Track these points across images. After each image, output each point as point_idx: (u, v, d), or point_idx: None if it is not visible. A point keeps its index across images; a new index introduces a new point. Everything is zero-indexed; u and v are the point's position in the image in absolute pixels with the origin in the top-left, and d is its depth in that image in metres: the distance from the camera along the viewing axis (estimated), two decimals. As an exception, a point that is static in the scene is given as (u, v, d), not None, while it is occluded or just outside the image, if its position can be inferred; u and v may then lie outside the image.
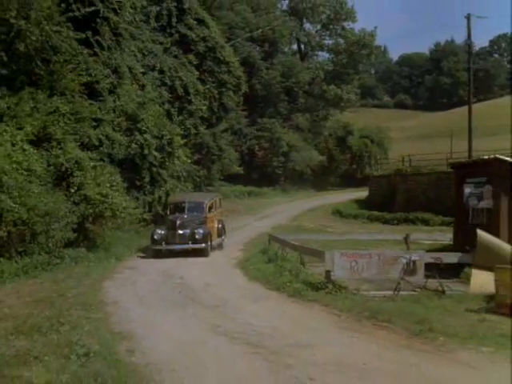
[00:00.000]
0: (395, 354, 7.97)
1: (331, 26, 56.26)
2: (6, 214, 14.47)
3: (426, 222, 30.73)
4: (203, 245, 19.37)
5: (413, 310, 10.01)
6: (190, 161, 27.61)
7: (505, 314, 9.67)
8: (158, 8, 31.40)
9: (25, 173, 16.00)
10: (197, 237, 19.25)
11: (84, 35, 24.20)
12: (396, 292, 11.59)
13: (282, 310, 10.84)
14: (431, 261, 12.01)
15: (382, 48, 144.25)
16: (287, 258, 15.84)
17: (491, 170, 14.49)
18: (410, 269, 11.69)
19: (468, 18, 34.83)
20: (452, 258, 12.41)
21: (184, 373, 7.33)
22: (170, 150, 25.46)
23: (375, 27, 59.39)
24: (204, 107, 30.93)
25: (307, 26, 57.47)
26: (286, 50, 53.68)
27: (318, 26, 56.91)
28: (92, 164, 21.83)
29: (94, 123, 23.33)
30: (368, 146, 52.29)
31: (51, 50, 22.56)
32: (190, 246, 19.25)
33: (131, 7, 29.30)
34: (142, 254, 19.95)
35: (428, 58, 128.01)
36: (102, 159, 23.23)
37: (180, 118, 30.28)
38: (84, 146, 22.58)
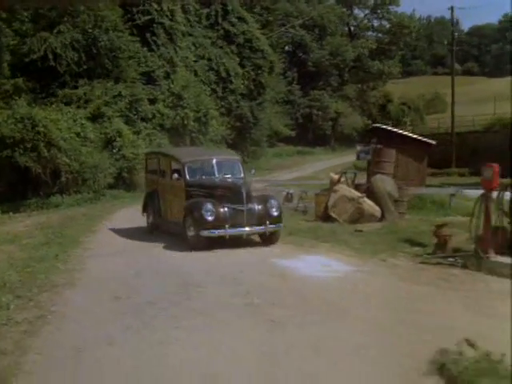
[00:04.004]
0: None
1: (378, 11, 58.68)
2: (62, 167, 20.09)
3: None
4: (281, 225, 11.33)
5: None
6: (223, 127, 32.37)
7: (316, 220, 13.98)
8: (208, 10, 36.11)
9: (78, 139, 21.51)
10: (274, 213, 11.10)
11: (142, 37, 29.78)
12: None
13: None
14: (300, 193, 16.33)
15: (455, 20, 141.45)
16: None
17: (377, 134, 18.34)
18: (288, 198, 16.10)
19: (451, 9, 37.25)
20: (316, 190, 16.59)
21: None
22: (205, 120, 30.44)
23: (413, 10, 61.23)
24: (242, 86, 35.61)
25: (356, 11, 60.22)
26: (337, 32, 56.52)
27: (367, 11, 59.52)
28: (145, 132, 27.57)
29: (149, 102, 28.79)
30: (405, 112, 54.76)
31: (118, 49, 27.81)
32: (268, 228, 10.91)
33: (184, 11, 34.37)
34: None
35: (497, 28, 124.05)
36: (154, 128, 28.72)
37: (224, 94, 35.19)
38: (142, 119, 28.12)
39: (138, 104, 27.70)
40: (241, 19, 36.54)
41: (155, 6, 30.50)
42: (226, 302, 7.11)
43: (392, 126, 54.47)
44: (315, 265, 9.04)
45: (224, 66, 34.88)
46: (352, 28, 59.64)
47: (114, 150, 22.98)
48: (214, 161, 12.45)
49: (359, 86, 57.70)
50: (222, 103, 34.47)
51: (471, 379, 3.87)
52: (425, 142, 17.92)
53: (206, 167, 12.46)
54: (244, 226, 10.91)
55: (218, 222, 10.73)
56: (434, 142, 17.97)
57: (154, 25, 30.56)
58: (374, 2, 57.92)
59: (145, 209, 13.84)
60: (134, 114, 27.34)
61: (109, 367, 5.22)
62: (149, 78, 29.58)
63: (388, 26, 58.01)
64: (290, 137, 49.31)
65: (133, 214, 17.39)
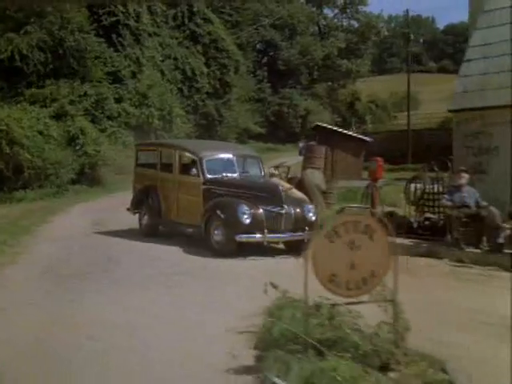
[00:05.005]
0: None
1: (347, 10, 60.50)
2: (25, 163, 21.30)
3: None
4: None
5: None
6: (188, 125, 33.72)
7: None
8: (175, 11, 37.43)
9: (41, 137, 22.69)
10: (312, 218, 10.37)
11: (108, 38, 30.98)
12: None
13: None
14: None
15: (430, 19, 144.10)
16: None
17: (319, 132, 19.89)
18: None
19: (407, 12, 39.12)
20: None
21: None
22: (169, 118, 31.80)
23: (381, 10, 62.99)
24: (208, 85, 37.03)
25: (326, 10, 62.02)
26: (308, 31, 58.09)
27: (336, 10, 61.35)
28: (111, 130, 28.79)
29: (115, 101, 29.99)
30: (372, 110, 56.56)
31: (84, 50, 28.94)
32: (306, 234, 9.64)
33: (151, 13, 35.62)
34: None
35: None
36: (120, 126, 29.95)
37: (190, 93, 36.58)
38: (108, 118, 29.32)
39: (104, 103, 28.85)
40: (206, 20, 37.89)
41: (121, 8, 31.69)
42: (138, 272, 8.57)
43: (356, 124, 56.71)
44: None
45: (190, 66, 36.21)
46: (322, 27, 61.36)
47: (77, 148, 24.16)
48: (235, 157, 11.49)
49: (329, 84, 59.34)
50: (188, 102, 35.82)
51: (274, 312, 5.35)
52: (361, 139, 19.48)
53: (225, 163, 11.31)
54: (282, 232, 9.88)
55: (255, 226, 9.67)
56: (369, 139, 19.54)
57: (120, 26, 31.71)
58: (343, 1, 59.66)
59: (137, 207, 12.54)
60: (101, 113, 28.50)
61: (25, 320, 6.60)
62: (115, 78, 30.74)
63: (357, 25, 59.84)
64: (261, 134, 50.73)
65: (89, 207, 18.88)
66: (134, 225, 13.02)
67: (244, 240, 9.67)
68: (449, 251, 9.36)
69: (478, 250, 9.22)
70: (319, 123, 20.47)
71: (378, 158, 10.48)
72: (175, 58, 36.07)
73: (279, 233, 9.85)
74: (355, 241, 4.48)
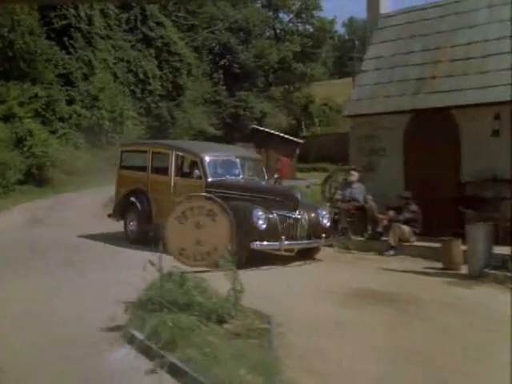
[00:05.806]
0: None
1: (302, 15, 62.06)
2: (-31, 164, 22.04)
3: (324, 170, 37.36)
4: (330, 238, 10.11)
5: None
6: (139, 127, 34.63)
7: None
8: (128, 14, 38.27)
9: (-11, 139, 23.43)
10: (327, 224, 9.89)
11: (59, 41, 31.69)
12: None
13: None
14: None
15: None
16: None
17: (256, 134, 21.13)
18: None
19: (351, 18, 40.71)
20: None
21: None
22: (120, 120, 32.65)
23: (335, 16, 64.63)
24: (160, 87, 38.00)
25: (282, 15, 63.39)
26: (264, 35, 59.40)
27: (291, 15, 62.81)
28: (62, 131, 29.54)
29: (66, 103, 30.71)
30: (326, 112, 58.09)
31: (34, 53, 29.58)
32: (322, 242, 9.77)
33: (104, 16, 36.41)
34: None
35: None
36: (71, 128, 30.70)
37: (142, 95, 37.47)
38: (60, 119, 30.04)
39: (55, 105, 29.55)
40: (159, 24, 38.82)
41: (72, 11, 32.42)
42: (58, 259, 9.64)
43: (307, 126, 58.15)
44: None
45: (142, 68, 37.08)
46: (277, 31, 62.73)
47: (25, 149, 24.86)
48: (237, 158, 10.91)
49: (285, 87, 60.66)
50: (141, 104, 36.70)
51: (159, 283, 6.54)
52: (294, 140, 20.80)
53: (228, 165, 10.71)
54: (299, 238, 9.20)
55: (271, 233, 8.91)
56: (301, 141, 20.88)
57: (71, 29, 32.41)
58: (298, 6, 61.16)
59: (122, 213, 11.61)
60: (52, 115, 29.17)
61: None
62: (67, 80, 31.43)
63: (312, 30, 61.45)
64: (218, 136, 51.68)
65: (33, 207, 19.76)
66: (70, 221, 14.05)
67: (260, 248, 8.82)
68: (338, 240, 10.66)
69: (362, 238, 10.55)
70: (256, 126, 21.64)
71: (283, 159, 11.73)
72: (128, 61, 36.90)
73: (295, 239, 9.15)
74: (200, 222, 5.68)
